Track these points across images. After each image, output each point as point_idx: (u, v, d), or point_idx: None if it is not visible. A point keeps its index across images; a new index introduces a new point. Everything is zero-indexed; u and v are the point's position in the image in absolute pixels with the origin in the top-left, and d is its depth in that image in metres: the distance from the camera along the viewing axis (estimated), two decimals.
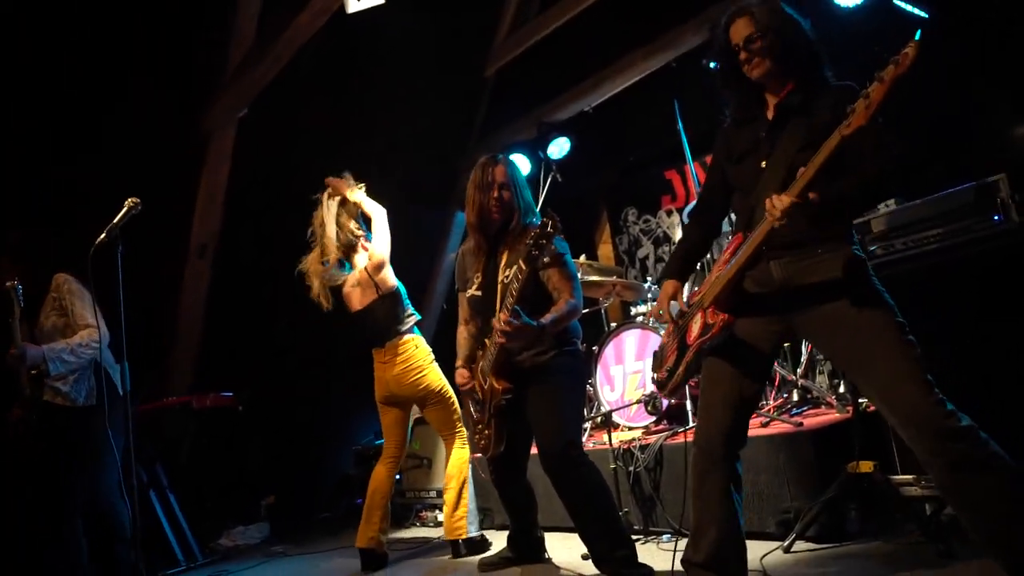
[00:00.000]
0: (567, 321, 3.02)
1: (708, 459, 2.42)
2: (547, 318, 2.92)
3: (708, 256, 4.03)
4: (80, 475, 3.42)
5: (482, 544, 4.08)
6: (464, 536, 4.02)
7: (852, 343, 2.19)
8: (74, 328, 3.47)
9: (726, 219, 3.02)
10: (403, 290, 4.13)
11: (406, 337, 4.07)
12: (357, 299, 4.11)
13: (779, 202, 2.06)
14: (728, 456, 2.42)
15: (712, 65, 5.06)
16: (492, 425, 3.15)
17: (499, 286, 3.08)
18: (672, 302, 2.58)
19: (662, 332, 4.46)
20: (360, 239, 4.11)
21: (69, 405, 3.43)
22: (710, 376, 2.45)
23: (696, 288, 2.65)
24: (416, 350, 4.06)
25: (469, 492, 4.13)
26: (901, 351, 2.11)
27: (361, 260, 4.09)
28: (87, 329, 3.41)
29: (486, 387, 3.12)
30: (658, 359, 2.66)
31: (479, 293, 3.20)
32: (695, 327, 2.43)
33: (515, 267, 2.71)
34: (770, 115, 2.37)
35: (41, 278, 3.58)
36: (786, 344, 4.20)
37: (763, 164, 2.32)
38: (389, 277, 4.05)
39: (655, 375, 2.65)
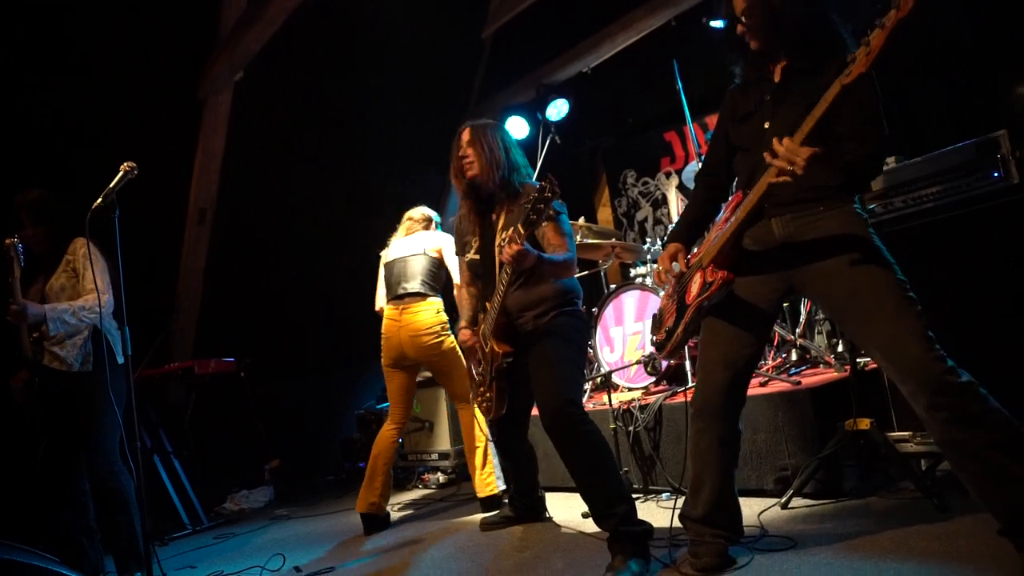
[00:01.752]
0: (562, 269, 2.99)
1: (705, 417, 2.46)
2: (545, 255, 2.91)
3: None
4: (79, 439, 3.44)
5: (500, 500, 4.11)
6: (495, 491, 4.08)
7: (853, 300, 2.19)
8: (80, 291, 3.49)
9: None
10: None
11: (430, 299, 4.10)
12: (399, 251, 4.22)
13: (794, 148, 2.00)
14: (725, 415, 2.44)
15: (712, 24, 5.00)
16: (494, 388, 3.16)
17: (497, 249, 3.07)
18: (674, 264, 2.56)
19: (661, 294, 4.49)
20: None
21: (65, 370, 3.44)
22: (709, 336, 2.47)
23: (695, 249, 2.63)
24: (436, 315, 4.08)
25: (492, 450, 4.17)
26: (902, 307, 2.11)
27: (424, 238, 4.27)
28: (92, 294, 3.42)
29: (487, 350, 3.13)
30: (657, 321, 2.68)
31: (477, 257, 3.19)
32: (694, 287, 2.44)
33: (512, 229, 2.70)
34: (776, 78, 2.36)
35: (60, 240, 3.57)
36: (786, 304, 4.20)
37: (766, 125, 2.32)
38: (440, 252, 4.19)
39: (654, 337, 2.66)
